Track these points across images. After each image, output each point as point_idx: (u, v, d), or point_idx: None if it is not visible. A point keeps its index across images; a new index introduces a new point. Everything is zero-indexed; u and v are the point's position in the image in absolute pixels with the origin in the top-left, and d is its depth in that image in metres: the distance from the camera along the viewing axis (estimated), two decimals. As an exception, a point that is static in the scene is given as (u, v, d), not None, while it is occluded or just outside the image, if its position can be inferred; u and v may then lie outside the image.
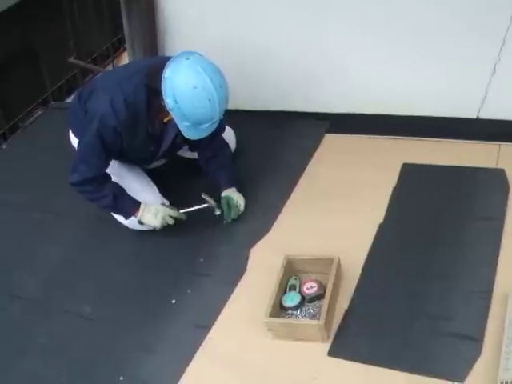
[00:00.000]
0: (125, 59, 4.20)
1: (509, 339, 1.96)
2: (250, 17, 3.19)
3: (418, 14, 2.87)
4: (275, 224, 2.77)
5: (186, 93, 2.44)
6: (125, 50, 4.17)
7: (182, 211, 2.81)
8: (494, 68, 2.85)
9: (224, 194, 2.87)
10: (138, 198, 2.80)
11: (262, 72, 3.02)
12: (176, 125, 2.59)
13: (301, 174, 3.02)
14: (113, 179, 2.78)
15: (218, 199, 2.82)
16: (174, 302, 2.53)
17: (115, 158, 2.80)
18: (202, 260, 2.70)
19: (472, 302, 2.18)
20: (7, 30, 4.94)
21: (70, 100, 4.71)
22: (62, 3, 4.19)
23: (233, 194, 2.87)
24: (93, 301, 2.63)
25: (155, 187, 2.96)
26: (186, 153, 3.08)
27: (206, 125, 2.54)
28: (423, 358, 2.04)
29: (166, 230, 2.84)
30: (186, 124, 2.54)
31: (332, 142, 3.21)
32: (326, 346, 2.17)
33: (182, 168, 3.09)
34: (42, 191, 3.37)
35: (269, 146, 3.21)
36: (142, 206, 2.75)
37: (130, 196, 2.77)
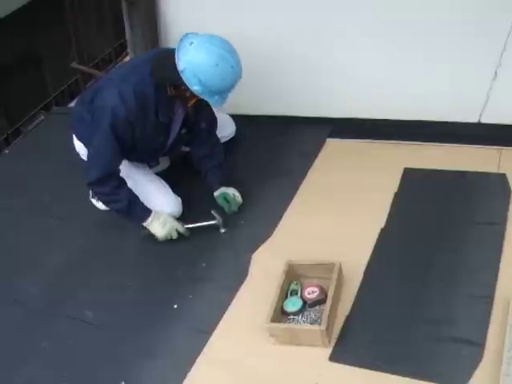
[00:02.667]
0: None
1: (510, 344, 1.96)
2: (250, 22, 3.19)
3: (420, 21, 2.88)
4: (277, 229, 2.77)
5: (212, 73, 2.51)
6: (127, 54, 4.18)
7: (186, 226, 2.83)
8: (496, 73, 2.85)
9: (217, 192, 2.92)
10: (153, 198, 2.85)
11: (264, 77, 3.03)
12: (182, 113, 2.76)
13: (302, 179, 3.02)
14: (128, 183, 2.80)
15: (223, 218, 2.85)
16: (175, 307, 2.53)
17: (127, 154, 2.81)
18: (203, 265, 2.70)
19: (473, 306, 2.18)
20: (10, 35, 4.97)
21: (72, 105, 4.73)
22: (65, 9, 4.21)
23: (227, 189, 2.91)
24: (95, 306, 2.63)
25: (169, 188, 2.97)
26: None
27: (232, 89, 2.63)
28: (424, 363, 2.05)
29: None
30: (216, 98, 2.62)
31: (334, 146, 3.22)
32: (328, 351, 2.17)
33: (186, 173, 3.09)
34: (44, 196, 3.37)
35: (271, 151, 3.22)
36: (152, 214, 2.78)
37: (142, 203, 2.79)
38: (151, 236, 2.82)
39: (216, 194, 2.93)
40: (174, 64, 2.53)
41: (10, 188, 3.55)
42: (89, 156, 2.75)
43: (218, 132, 3.12)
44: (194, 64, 2.51)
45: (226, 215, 2.88)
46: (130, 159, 2.91)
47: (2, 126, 4.70)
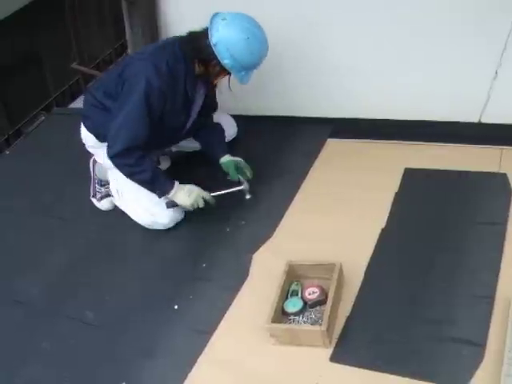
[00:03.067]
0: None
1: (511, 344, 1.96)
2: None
3: (421, 21, 2.87)
4: (278, 229, 2.77)
5: (242, 46, 2.65)
6: (127, 55, 4.18)
7: (212, 194, 2.85)
8: (496, 72, 2.84)
9: (223, 160, 2.98)
10: (153, 203, 2.85)
11: (265, 77, 3.03)
12: (203, 93, 2.88)
13: (303, 179, 3.02)
14: (130, 185, 2.83)
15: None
16: (176, 307, 2.53)
17: (152, 131, 2.77)
18: (204, 265, 2.69)
19: (474, 306, 2.18)
20: (11, 35, 4.97)
21: (73, 105, 4.74)
22: (65, 9, 4.21)
23: (234, 158, 2.98)
24: (95, 306, 2.63)
25: None
26: (190, 144, 3.15)
27: (258, 66, 2.77)
28: (425, 364, 2.04)
29: (168, 234, 2.89)
30: (243, 73, 2.75)
31: (334, 146, 3.21)
32: (328, 351, 2.17)
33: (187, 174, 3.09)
34: (45, 196, 3.38)
35: (272, 151, 3.22)
36: (175, 185, 2.79)
37: (166, 175, 2.83)
38: (178, 206, 2.84)
39: (223, 160, 2.97)
40: (206, 39, 2.66)
41: (11, 188, 3.56)
42: (116, 126, 2.69)
43: None
44: (226, 37, 2.64)
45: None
46: (147, 144, 2.87)
47: (2, 126, 4.71)
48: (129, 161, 2.71)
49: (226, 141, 3.23)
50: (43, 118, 4.36)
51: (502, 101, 2.89)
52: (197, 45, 2.71)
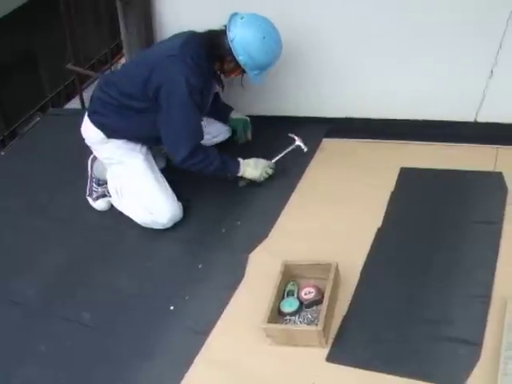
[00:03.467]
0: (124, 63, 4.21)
1: (508, 343, 1.96)
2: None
3: (416, 19, 2.87)
4: (273, 229, 2.77)
5: (258, 45, 2.73)
6: (123, 55, 4.17)
7: (274, 161, 3.02)
8: (492, 71, 2.84)
9: (233, 116, 3.24)
10: (154, 201, 2.88)
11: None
12: (215, 88, 2.98)
13: (299, 179, 3.02)
14: (131, 181, 2.93)
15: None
16: (172, 308, 2.53)
17: None
18: (200, 266, 2.69)
19: (471, 306, 2.18)
20: (6, 35, 4.96)
21: (68, 106, 4.73)
22: (60, 10, 4.19)
23: (242, 116, 3.26)
24: (92, 308, 2.63)
25: (172, 192, 2.96)
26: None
27: (271, 66, 2.85)
28: (422, 363, 2.04)
29: (165, 235, 2.89)
30: (256, 72, 2.82)
31: (330, 146, 3.21)
32: (325, 351, 2.17)
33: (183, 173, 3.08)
34: (41, 197, 3.38)
35: (267, 151, 3.20)
36: (241, 163, 2.92)
37: (229, 156, 2.92)
38: (250, 182, 2.96)
39: (233, 116, 3.24)
40: (224, 36, 2.74)
41: (7, 189, 3.55)
42: (172, 132, 2.76)
43: (214, 137, 3.26)
44: (243, 35, 2.72)
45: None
46: (149, 139, 2.95)
47: (-3, 127, 4.69)
48: (197, 159, 2.77)
49: (221, 141, 3.27)
50: (38, 118, 4.35)
51: (497, 100, 2.89)
52: (216, 41, 2.77)
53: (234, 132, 3.30)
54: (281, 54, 2.86)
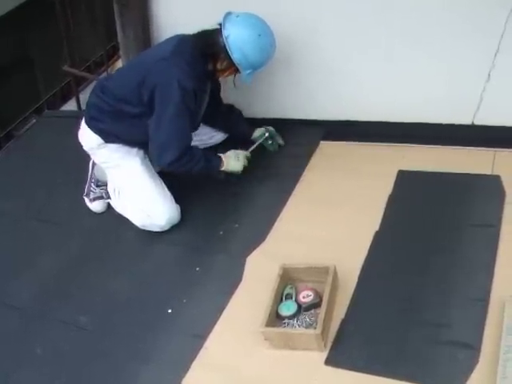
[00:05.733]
0: (119, 67, 4.19)
1: (506, 347, 1.95)
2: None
3: (414, 22, 2.87)
4: (271, 232, 2.76)
5: (253, 42, 2.74)
6: (119, 57, 4.17)
7: (250, 150, 3.06)
8: (489, 74, 2.84)
9: (255, 134, 3.20)
10: (152, 204, 2.88)
11: (258, 79, 3.02)
12: (209, 88, 2.93)
13: (296, 182, 3.01)
14: (130, 183, 2.93)
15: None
16: (170, 311, 2.52)
17: None
18: (197, 269, 2.68)
19: (469, 309, 2.18)
20: (2, 37, 4.94)
21: (64, 108, 4.71)
22: (56, 11, 4.18)
23: (263, 129, 3.21)
24: (89, 311, 2.62)
25: (170, 194, 2.96)
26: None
27: (264, 66, 2.86)
28: (420, 367, 2.04)
29: (162, 238, 2.88)
30: (248, 71, 2.82)
31: (327, 149, 3.21)
32: (323, 355, 2.16)
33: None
34: (37, 200, 3.37)
35: (264, 154, 3.20)
36: (223, 157, 2.90)
37: (209, 151, 2.95)
38: (230, 175, 2.94)
39: (256, 135, 3.20)
40: (218, 34, 2.74)
41: (3, 191, 3.54)
42: (162, 135, 2.73)
43: (210, 138, 3.28)
44: (238, 33, 2.72)
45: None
46: None
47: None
48: (184, 161, 2.76)
49: (217, 142, 3.29)
50: (34, 120, 4.34)
51: (495, 103, 2.89)
52: (209, 39, 2.77)
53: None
54: (274, 54, 2.86)
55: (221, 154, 2.92)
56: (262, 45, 2.77)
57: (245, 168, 2.97)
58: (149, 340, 2.42)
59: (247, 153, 3.02)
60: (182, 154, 2.72)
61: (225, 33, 2.73)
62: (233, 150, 2.97)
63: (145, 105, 2.74)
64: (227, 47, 2.73)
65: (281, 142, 3.25)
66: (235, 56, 2.74)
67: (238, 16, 2.76)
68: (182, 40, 2.83)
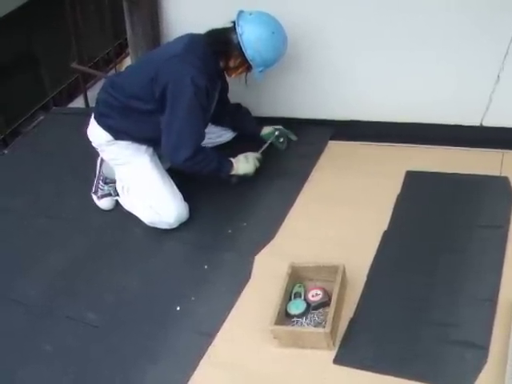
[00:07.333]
0: (127, 64, 4.20)
1: (515, 347, 1.96)
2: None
3: (423, 23, 2.87)
4: (279, 231, 2.76)
5: (267, 40, 2.77)
6: (127, 55, 4.17)
7: (260, 152, 3.07)
8: (498, 76, 2.84)
9: (263, 133, 3.20)
10: (161, 201, 2.88)
11: (266, 78, 3.02)
12: (220, 86, 2.94)
13: (305, 181, 3.02)
14: (139, 180, 2.93)
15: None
16: (178, 309, 2.52)
17: None
18: (206, 267, 2.68)
19: (478, 309, 2.18)
20: (9, 34, 4.95)
21: (72, 105, 4.72)
22: (65, 8, 4.19)
23: (272, 128, 3.21)
24: (97, 308, 2.63)
25: (179, 192, 2.96)
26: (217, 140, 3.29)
27: (276, 63, 2.89)
28: (429, 366, 2.04)
29: (170, 235, 2.89)
30: (261, 69, 2.85)
31: (336, 148, 3.21)
32: (332, 353, 2.17)
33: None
34: (44, 196, 3.38)
35: (272, 153, 3.21)
36: (234, 161, 2.92)
37: (222, 155, 2.94)
38: (242, 178, 2.95)
39: (263, 133, 3.20)
40: (230, 33, 2.78)
41: (10, 188, 3.55)
42: (175, 133, 2.73)
43: (218, 137, 3.29)
44: (253, 30, 2.75)
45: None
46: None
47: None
48: (198, 159, 2.77)
49: (225, 141, 3.29)
50: (42, 117, 4.35)
51: (503, 104, 2.89)
52: (222, 37, 2.80)
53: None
54: (285, 51, 2.89)
55: (231, 159, 2.93)
56: (275, 42, 2.81)
57: (256, 169, 2.98)
58: (157, 337, 2.42)
59: (257, 154, 3.03)
60: (196, 152, 2.73)
61: (239, 30, 2.75)
62: (245, 153, 2.99)
63: (156, 101, 2.75)
64: (241, 44, 2.75)
65: (293, 137, 3.27)
66: (249, 53, 2.77)
67: (251, 14, 2.79)
68: (193, 38, 2.84)
